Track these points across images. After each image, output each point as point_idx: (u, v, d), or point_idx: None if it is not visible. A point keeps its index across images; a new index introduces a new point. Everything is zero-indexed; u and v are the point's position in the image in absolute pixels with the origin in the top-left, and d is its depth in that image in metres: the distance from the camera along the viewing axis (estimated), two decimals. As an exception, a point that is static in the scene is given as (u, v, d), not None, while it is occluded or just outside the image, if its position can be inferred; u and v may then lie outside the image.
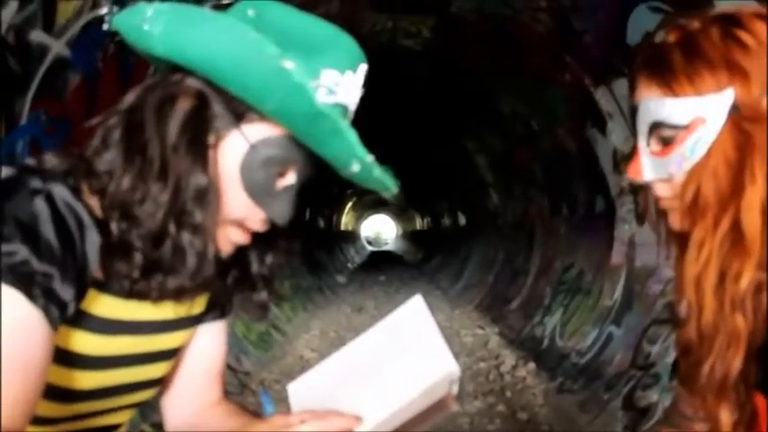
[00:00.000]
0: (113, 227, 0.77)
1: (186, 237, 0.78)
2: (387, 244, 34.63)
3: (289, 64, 0.73)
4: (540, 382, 4.97)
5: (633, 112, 0.83)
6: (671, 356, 3.41)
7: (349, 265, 16.18)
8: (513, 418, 4.40)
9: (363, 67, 0.83)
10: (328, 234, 15.75)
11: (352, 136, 0.77)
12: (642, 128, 0.82)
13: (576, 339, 4.96)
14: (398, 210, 26.61)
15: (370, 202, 24.63)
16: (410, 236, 26.07)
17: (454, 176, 11.35)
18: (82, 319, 0.80)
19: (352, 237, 23.66)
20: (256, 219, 0.84)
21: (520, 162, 7.34)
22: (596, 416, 3.92)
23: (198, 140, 0.78)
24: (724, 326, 0.74)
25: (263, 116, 0.79)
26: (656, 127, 0.80)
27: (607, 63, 4.30)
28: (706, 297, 0.75)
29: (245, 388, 4.59)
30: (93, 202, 0.79)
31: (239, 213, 0.82)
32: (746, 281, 0.73)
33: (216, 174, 0.80)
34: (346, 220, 22.49)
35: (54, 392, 0.80)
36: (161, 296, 0.83)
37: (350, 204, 21.48)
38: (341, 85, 0.80)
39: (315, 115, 0.75)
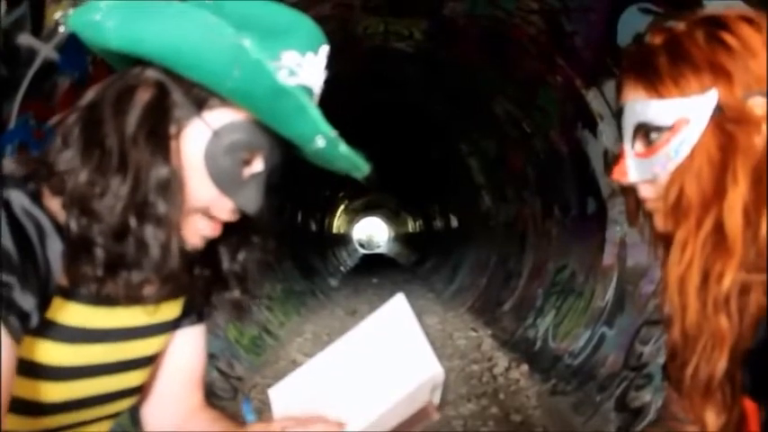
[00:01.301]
0: (73, 224, 0.75)
1: (149, 229, 0.76)
2: (379, 247, 34.62)
3: (246, 42, 0.72)
4: (533, 384, 4.96)
5: (618, 113, 0.83)
6: (663, 357, 3.41)
7: (342, 268, 16.15)
8: (506, 420, 4.39)
9: (325, 49, 0.82)
10: (320, 237, 15.73)
11: (316, 112, 0.76)
12: (627, 129, 0.82)
13: (568, 341, 4.96)
14: (390, 212, 26.59)
15: (362, 204, 24.61)
16: (402, 238, 26.06)
17: (446, 179, 11.35)
18: (50, 329, 0.77)
19: (344, 240, 23.63)
20: (224, 208, 0.81)
21: (512, 164, 7.35)
22: (590, 417, 3.92)
23: (158, 131, 0.76)
24: (707, 327, 0.74)
25: (225, 101, 0.77)
26: (641, 128, 0.80)
27: (598, 65, 4.31)
28: (689, 298, 0.75)
29: (238, 393, 4.56)
30: (56, 206, 0.77)
31: (204, 201, 0.80)
32: (729, 282, 0.73)
33: (179, 164, 0.78)
34: (338, 224, 22.46)
35: (24, 407, 0.78)
36: (129, 297, 0.80)
37: (342, 207, 21.45)
38: (303, 66, 0.78)
39: (276, 92, 0.73)
